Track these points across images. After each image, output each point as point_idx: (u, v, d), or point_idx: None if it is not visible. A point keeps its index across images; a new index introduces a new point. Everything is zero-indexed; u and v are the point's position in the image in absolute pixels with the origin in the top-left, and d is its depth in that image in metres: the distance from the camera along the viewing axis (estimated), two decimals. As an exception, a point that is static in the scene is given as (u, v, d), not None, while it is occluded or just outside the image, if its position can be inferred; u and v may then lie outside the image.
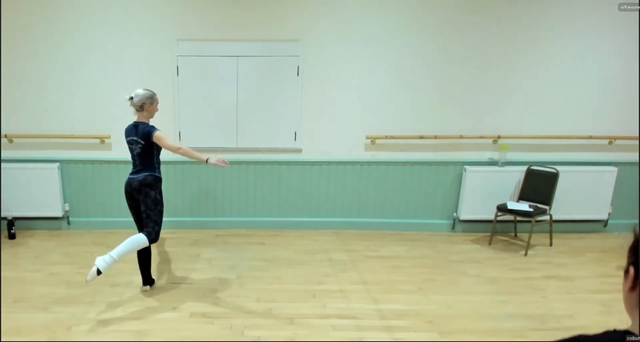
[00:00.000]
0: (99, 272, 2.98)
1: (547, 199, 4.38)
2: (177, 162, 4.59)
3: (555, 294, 3.52)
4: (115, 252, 3.07)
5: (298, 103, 4.52)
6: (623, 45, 4.42)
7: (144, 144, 3.18)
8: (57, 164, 4.52)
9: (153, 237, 3.21)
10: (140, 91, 3.21)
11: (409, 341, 2.89)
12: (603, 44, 4.42)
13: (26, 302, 3.28)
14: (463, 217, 4.71)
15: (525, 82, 4.49)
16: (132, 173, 3.30)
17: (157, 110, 3.30)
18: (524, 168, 4.59)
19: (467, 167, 4.61)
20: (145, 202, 3.21)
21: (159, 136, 3.14)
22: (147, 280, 3.50)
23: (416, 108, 4.55)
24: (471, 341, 2.90)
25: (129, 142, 3.29)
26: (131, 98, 3.19)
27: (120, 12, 4.27)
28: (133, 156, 3.29)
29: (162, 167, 4.47)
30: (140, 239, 3.16)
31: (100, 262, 3.01)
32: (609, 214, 4.76)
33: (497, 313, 3.23)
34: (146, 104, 3.20)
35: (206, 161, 3.17)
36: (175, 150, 3.16)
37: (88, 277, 3.00)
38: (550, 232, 4.50)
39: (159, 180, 3.28)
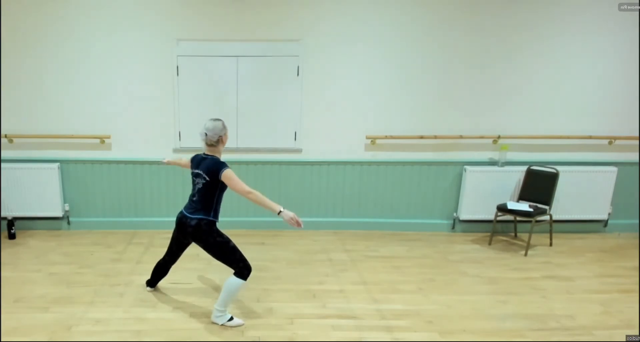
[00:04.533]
0: (223, 324, 3.01)
1: (547, 199, 4.38)
2: (177, 162, 4.59)
3: (555, 294, 3.52)
4: (219, 304, 3.00)
5: (298, 103, 4.52)
6: (623, 45, 4.42)
7: (208, 180, 2.87)
8: (57, 164, 4.52)
9: (245, 273, 2.93)
10: (210, 124, 2.88)
11: (409, 341, 2.89)
12: (603, 44, 4.42)
13: (26, 302, 3.28)
14: (463, 217, 4.71)
15: (525, 82, 4.49)
16: (187, 208, 3.02)
17: (228, 137, 3.02)
18: (524, 168, 4.59)
19: (467, 167, 4.61)
20: (209, 250, 2.98)
21: (228, 176, 2.81)
22: (154, 283, 3.50)
23: (416, 108, 4.55)
24: (471, 341, 2.90)
25: (193, 175, 3.01)
26: (206, 135, 2.88)
27: (120, 11, 4.27)
28: (193, 189, 3.01)
29: (163, 167, 4.46)
30: (234, 282, 2.92)
31: (216, 320, 3.02)
32: (609, 214, 4.76)
33: (497, 313, 3.23)
34: (222, 137, 2.92)
35: (278, 213, 2.75)
36: (245, 194, 2.78)
37: (239, 324, 3.03)
38: (550, 232, 4.50)
39: (213, 224, 2.96)
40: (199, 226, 2.92)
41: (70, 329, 2.95)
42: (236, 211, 4.78)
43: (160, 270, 3.42)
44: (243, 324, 3.03)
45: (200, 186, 2.93)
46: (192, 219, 2.94)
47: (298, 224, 2.76)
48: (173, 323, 3.05)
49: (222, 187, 2.92)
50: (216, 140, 2.89)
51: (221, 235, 2.97)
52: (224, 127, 2.93)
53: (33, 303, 3.27)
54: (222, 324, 3.01)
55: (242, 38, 4.36)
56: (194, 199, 2.98)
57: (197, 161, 2.99)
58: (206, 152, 2.95)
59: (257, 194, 2.79)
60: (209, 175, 2.86)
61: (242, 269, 2.92)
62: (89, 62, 4.36)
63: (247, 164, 4.66)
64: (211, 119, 2.92)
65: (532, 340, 2.91)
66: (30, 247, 4.32)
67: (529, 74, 4.48)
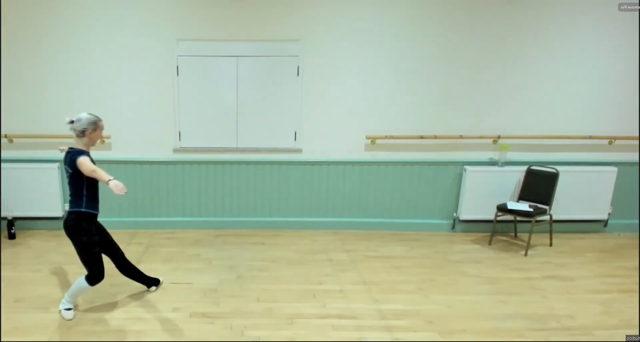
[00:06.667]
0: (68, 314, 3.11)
1: (547, 199, 4.38)
2: (176, 163, 4.59)
3: (555, 294, 3.52)
4: (67, 298, 3.13)
5: (298, 103, 4.52)
6: (623, 45, 4.42)
7: (71, 172, 2.86)
8: (57, 164, 4.52)
9: (93, 280, 3.01)
10: (83, 115, 2.87)
11: (409, 341, 2.89)
12: (603, 44, 4.42)
13: (26, 302, 3.28)
14: (463, 217, 4.71)
15: (525, 82, 4.50)
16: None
17: (99, 137, 2.96)
18: (524, 168, 4.59)
19: (467, 167, 4.61)
20: (76, 248, 2.98)
21: (80, 162, 2.75)
22: (150, 283, 3.50)
23: (416, 108, 4.55)
24: (471, 341, 2.90)
25: (65, 171, 2.97)
26: (71, 122, 2.85)
27: (120, 12, 4.27)
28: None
29: (162, 167, 4.44)
30: (81, 284, 3.03)
31: (64, 312, 3.12)
32: (609, 214, 4.76)
33: (497, 313, 3.23)
34: (87, 130, 2.85)
35: (107, 182, 2.65)
36: (90, 173, 2.74)
37: (66, 318, 3.09)
38: (550, 232, 4.50)
39: (82, 218, 2.92)
40: (67, 221, 2.93)
41: (70, 329, 2.95)
42: (236, 211, 4.78)
43: (127, 270, 3.36)
44: (70, 319, 3.09)
45: (69, 179, 2.91)
46: (66, 213, 3.00)
47: (122, 191, 2.60)
48: (173, 323, 3.05)
49: (89, 178, 2.85)
50: (80, 131, 2.84)
51: (89, 235, 2.95)
52: (94, 124, 2.87)
53: (33, 303, 3.27)
54: (60, 310, 3.13)
55: (242, 38, 4.36)
56: (69, 194, 2.95)
57: (65, 157, 2.94)
58: (72, 147, 2.91)
59: (99, 171, 2.72)
60: (71, 167, 2.83)
61: (95, 275, 3.01)
62: (89, 61, 4.36)
63: (247, 164, 4.66)
64: (88, 113, 2.90)
65: (532, 340, 2.91)
66: (30, 247, 4.32)
67: (529, 74, 4.48)
